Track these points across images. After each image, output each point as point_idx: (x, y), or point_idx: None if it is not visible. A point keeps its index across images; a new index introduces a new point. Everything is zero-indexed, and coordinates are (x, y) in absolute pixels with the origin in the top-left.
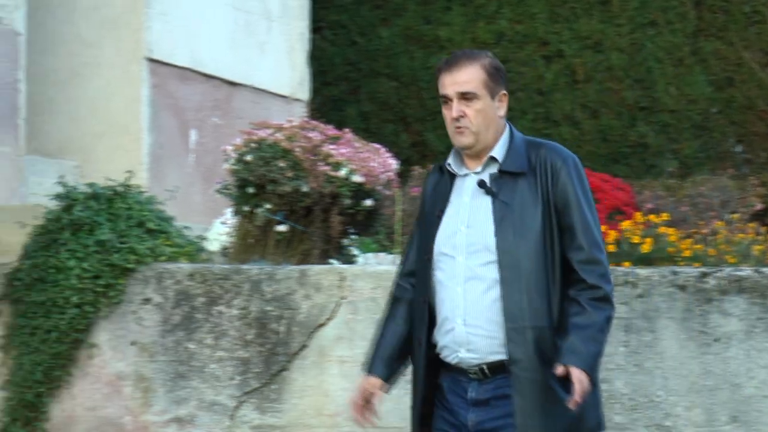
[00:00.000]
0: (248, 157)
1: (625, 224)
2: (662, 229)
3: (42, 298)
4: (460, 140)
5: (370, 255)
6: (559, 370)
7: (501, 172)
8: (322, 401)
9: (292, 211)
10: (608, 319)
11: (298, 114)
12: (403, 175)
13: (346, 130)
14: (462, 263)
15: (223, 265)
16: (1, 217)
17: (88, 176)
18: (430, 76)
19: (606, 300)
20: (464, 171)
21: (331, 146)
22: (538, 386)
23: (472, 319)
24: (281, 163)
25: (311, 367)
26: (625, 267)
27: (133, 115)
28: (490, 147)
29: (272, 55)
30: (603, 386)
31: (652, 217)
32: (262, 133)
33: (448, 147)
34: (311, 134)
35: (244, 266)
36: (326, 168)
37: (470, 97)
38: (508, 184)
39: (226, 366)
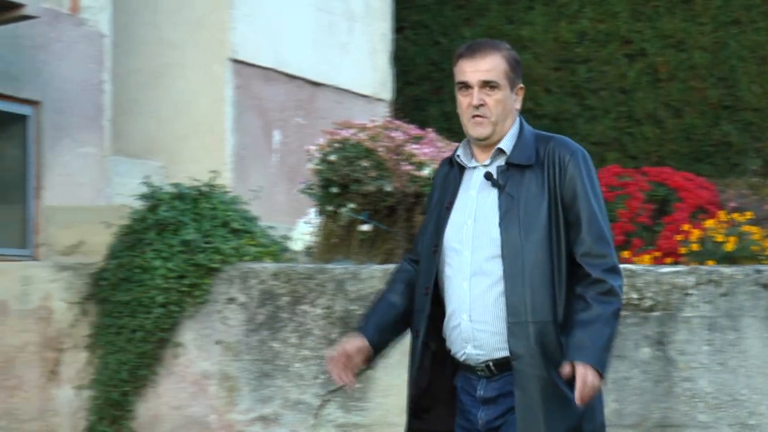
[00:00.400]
0: (332, 157)
1: (709, 223)
2: (746, 228)
3: (128, 297)
4: (478, 130)
5: None
6: (566, 370)
7: (508, 164)
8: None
9: (376, 211)
10: (615, 313)
11: (381, 114)
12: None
13: (429, 129)
14: (468, 258)
15: (307, 264)
16: (86, 217)
17: (172, 176)
18: None
19: (612, 293)
20: (473, 163)
21: (414, 146)
22: (541, 382)
23: (478, 315)
24: (365, 163)
25: (395, 366)
26: (709, 266)
27: (217, 115)
28: (500, 139)
29: (355, 55)
30: (687, 384)
31: (735, 215)
32: (346, 133)
33: None
34: (394, 134)
35: (329, 266)
36: (409, 167)
37: (493, 86)
38: (515, 176)
39: (310, 365)
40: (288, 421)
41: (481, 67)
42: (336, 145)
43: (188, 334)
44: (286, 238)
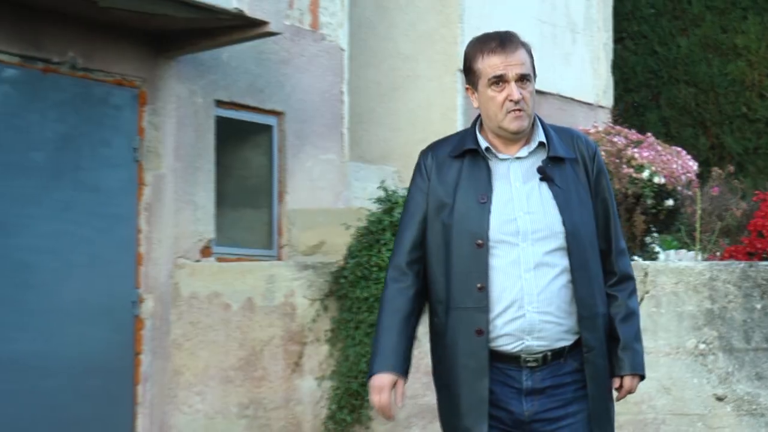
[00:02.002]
0: None
1: None
2: None
3: (365, 294)
4: (517, 124)
5: (671, 252)
6: (617, 383)
7: (550, 158)
8: None
9: None
10: (638, 310)
11: (602, 120)
12: (702, 176)
13: (648, 134)
14: (527, 250)
15: None
16: (327, 219)
17: (406, 181)
18: (728, 82)
19: (636, 291)
20: (503, 155)
21: (635, 150)
22: (606, 372)
23: (544, 307)
24: None
25: None
26: None
27: (448, 123)
28: (531, 131)
29: (577, 64)
30: None
31: None
32: None
33: (746, 149)
34: (615, 139)
35: None
36: (630, 170)
37: (527, 79)
38: (557, 169)
39: None
40: None
41: (514, 61)
42: None
43: (420, 328)
44: None
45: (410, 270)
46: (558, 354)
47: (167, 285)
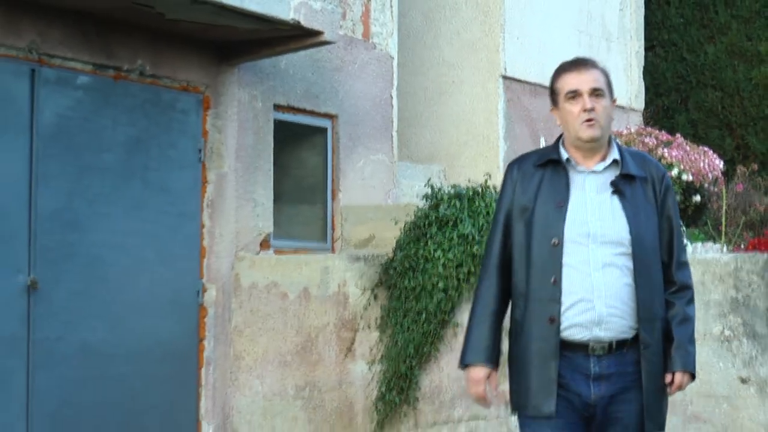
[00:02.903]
0: None
1: None
2: None
3: (413, 284)
4: (591, 132)
5: (698, 244)
6: (668, 379)
7: (622, 175)
8: None
9: None
10: (695, 317)
11: (635, 122)
12: (728, 174)
13: (677, 135)
14: (597, 251)
15: None
16: (377, 215)
17: (451, 179)
18: (752, 86)
19: (694, 299)
20: (581, 167)
21: (664, 149)
22: (661, 369)
23: (611, 302)
24: None
25: None
26: None
27: (491, 126)
28: (607, 148)
29: (611, 71)
30: None
31: None
32: None
33: None
34: (647, 139)
35: None
36: None
37: (600, 93)
38: (628, 185)
39: None
40: None
41: (588, 77)
42: None
43: (465, 315)
44: None
45: (498, 270)
46: (621, 344)
47: (229, 276)
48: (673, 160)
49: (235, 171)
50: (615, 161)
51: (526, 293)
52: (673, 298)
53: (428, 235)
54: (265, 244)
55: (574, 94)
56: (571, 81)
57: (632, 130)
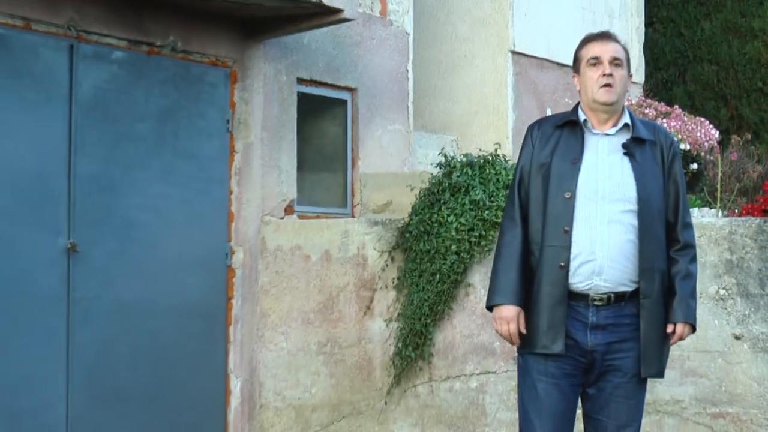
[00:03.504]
0: None
1: None
2: None
3: (428, 247)
4: (608, 96)
5: (695, 209)
6: (670, 329)
7: (633, 138)
8: None
9: None
10: (697, 274)
11: (636, 94)
12: (723, 143)
13: (675, 106)
14: (605, 207)
15: None
16: (394, 182)
17: (464, 148)
18: (746, 61)
19: (696, 258)
20: (596, 131)
21: (663, 120)
22: (660, 317)
23: (613, 254)
24: None
25: None
26: None
27: (500, 97)
28: (620, 114)
29: None
30: None
31: None
32: None
33: (762, 119)
34: (647, 110)
35: None
36: None
37: (618, 63)
38: (638, 148)
39: None
40: None
41: (609, 48)
42: None
43: (476, 276)
44: None
45: (520, 220)
46: (620, 297)
47: (255, 239)
48: (672, 130)
49: (261, 140)
50: (626, 125)
51: (541, 241)
52: (677, 255)
53: (442, 201)
54: (289, 210)
55: (596, 61)
56: (594, 49)
57: (633, 102)
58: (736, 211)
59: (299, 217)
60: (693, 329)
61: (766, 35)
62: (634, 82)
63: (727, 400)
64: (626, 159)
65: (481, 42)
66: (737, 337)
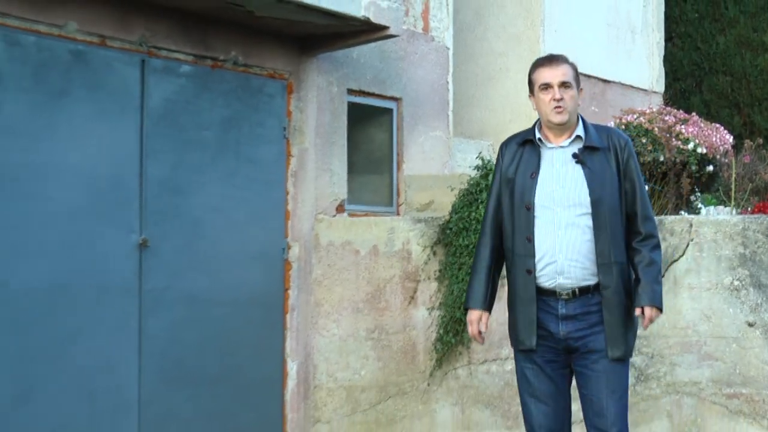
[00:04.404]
0: None
1: None
2: None
3: (466, 242)
4: (560, 117)
5: (711, 208)
6: (638, 312)
7: (585, 147)
8: (676, 318)
9: (652, 176)
10: (661, 258)
11: (656, 103)
12: (736, 148)
13: (693, 114)
14: (561, 214)
15: None
16: (436, 183)
17: None
18: (758, 72)
19: (659, 246)
20: (551, 145)
21: (682, 126)
22: (621, 306)
23: (571, 255)
24: (644, 140)
25: (666, 292)
26: None
27: (532, 107)
28: (573, 127)
29: (636, 59)
30: None
31: None
32: (629, 118)
33: None
34: (666, 118)
35: None
36: (678, 143)
37: (567, 85)
38: (590, 156)
39: None
40: None
41: (559, 72)
42: (622, 126)
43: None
44: None
45: (491, 231)
46: (585, 290)
47: (309, 235)
48: (690, 135)
49: (315, 146)
50: (578, 137)
51: (511, 249)
52: (639, 245)
53: (479, 200)
54: (340, 208)
55: (547, 86)
56: (544, 74)
57: (654, 110)
58: (749, 209)
59: (349, 215)
60: (660, 311)
61: None
62: (654, 92)
63: (740, 381)
64: (578, 167)
65: (515, 56)
66: (750, 324)
